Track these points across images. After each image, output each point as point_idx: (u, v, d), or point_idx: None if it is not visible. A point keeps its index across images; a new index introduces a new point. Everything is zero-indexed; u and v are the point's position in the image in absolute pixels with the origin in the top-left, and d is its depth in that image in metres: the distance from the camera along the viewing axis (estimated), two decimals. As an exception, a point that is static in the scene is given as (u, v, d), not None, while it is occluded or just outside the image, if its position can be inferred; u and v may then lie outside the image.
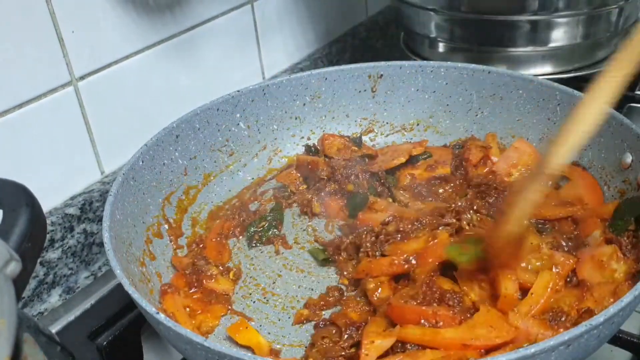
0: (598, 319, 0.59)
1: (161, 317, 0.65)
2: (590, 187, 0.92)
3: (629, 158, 0.86)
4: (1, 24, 0.84)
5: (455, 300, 0.73)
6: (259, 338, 0.77)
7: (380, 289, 0.80)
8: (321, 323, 0.79)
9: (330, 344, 0.75)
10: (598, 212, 0.86)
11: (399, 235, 0.84)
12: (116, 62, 0.99)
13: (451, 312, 0.72)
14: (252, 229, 0.96)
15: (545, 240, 0.82)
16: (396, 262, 0.80)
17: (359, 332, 0.75)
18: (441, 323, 0.71)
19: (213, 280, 0.86)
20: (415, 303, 0.73)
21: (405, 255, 0.80)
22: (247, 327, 0.78)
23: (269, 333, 0.80)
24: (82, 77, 0.95)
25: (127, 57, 1.01)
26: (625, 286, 0.74)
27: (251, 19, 1.21)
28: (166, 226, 0.93)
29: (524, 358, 0.57)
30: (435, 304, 0.73)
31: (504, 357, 0.56)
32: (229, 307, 0.84)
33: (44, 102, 0.91)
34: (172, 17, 1.06)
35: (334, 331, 0.77)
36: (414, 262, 0.80)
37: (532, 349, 0.56)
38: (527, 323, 0.70)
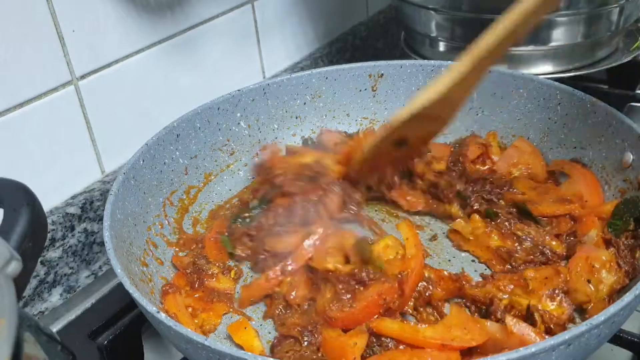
0: (598, 318, 0.59)
1: (162, 316, 0.65)
2: (590, 184, 0.91)
3: (629, 157, 0.86)
4: (1, 24, 0.84)
5: (371, 275, 0.76)
6: (255, 341, 0.76)
7: (295, 290, 0.81)
8: (274, 340, 0.76)
9: (297, 355, 0.72)
10: (597, 211, 0.85)
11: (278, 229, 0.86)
12: (117, 61, 0.99)
13: (382, 283, 0.74)
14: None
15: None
16: (270, 279, 0.82)
17: (315, 335, 0.74)
18: (388, 298, 0.73)
19: (214, 279, 0.86)
20: (348, 301, 0.75)
21: (279, 265, 0.82)
22: (246, 328, 0.78)
23: (269, 332, 0.80)
24: (82, 77, 0.95)
25: (127, 57, 1.01)
26: (603, 303, 0.73)
27: (251, 18, 1.21)
28: (167, 226, 0.93)
29: (524, 358, 0.56)
30: (360, 287, 0.75)
31: (504, 357, 0.56)
32: (231, 306, 0.84)
33: (45, 101, 0.91)
34: (172, 16, 1.06)
35: (293, 342, 0.74)
36: (289, 266, 0.82)
37: (532, 349, 0.56)
38: (524, 330, 0.69)
